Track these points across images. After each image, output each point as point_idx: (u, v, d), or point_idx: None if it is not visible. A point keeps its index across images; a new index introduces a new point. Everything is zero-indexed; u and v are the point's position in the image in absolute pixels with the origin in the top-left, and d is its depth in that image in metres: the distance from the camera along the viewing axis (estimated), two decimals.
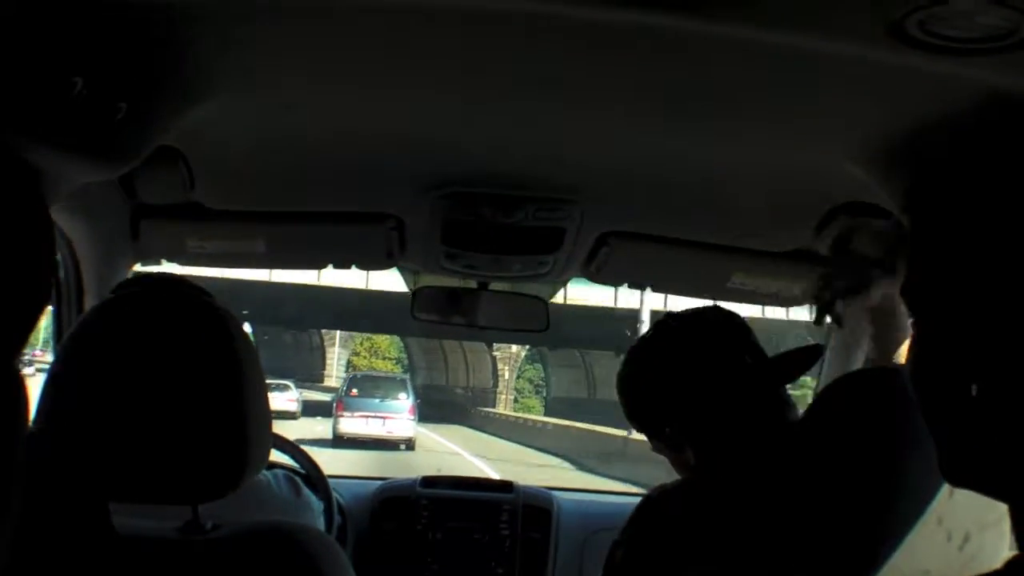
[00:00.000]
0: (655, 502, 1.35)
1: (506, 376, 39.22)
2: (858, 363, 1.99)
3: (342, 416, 21.04)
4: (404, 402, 21.87)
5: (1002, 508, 0.63)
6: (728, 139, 1.43)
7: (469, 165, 1.70)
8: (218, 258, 2.11)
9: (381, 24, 1.05)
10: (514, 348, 37.35)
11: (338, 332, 41.02)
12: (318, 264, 2.41)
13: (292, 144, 1.60)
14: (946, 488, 0.99)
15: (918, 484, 1.02)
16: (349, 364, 43.30)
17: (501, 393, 38.88)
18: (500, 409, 36.84)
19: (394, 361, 49.21)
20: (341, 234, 2.04)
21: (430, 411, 32.74)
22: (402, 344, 46.12)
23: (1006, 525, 0.64)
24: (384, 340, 49.14)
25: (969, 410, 0.58)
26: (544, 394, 43.64)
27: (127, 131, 1.10)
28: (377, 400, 21.45)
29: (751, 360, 1.41)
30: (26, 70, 0.88)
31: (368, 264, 2.26)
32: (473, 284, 2.23)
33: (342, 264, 2.23)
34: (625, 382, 1.53)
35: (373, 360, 47.50)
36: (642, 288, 2.41)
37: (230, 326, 1.03)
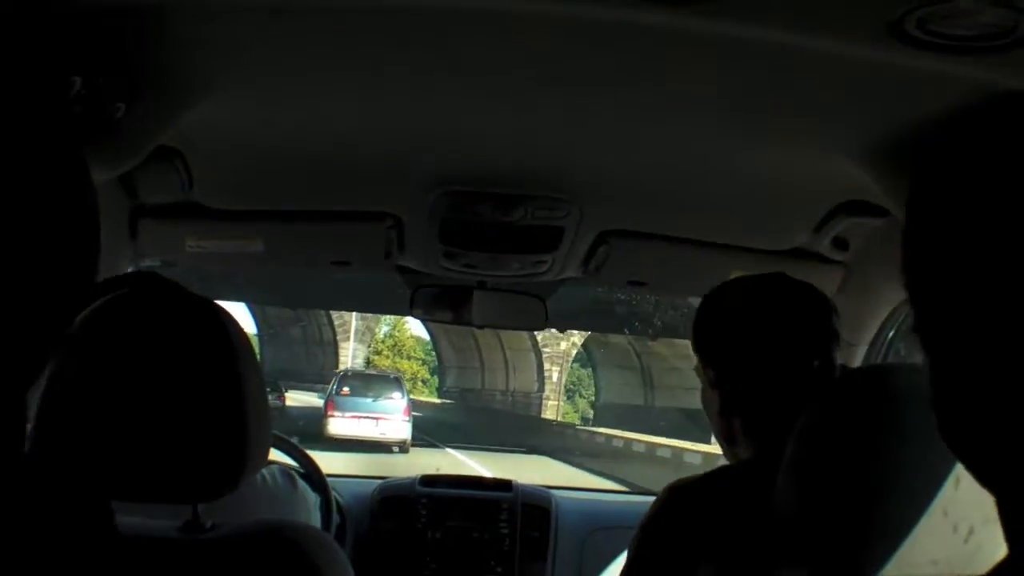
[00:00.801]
0: (673, 494, 1.34)
1: (554, 378, 33.18)
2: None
3: (332, 416, 19.93)
4: (398, 402, 20.76)
5: None
6: (728, 137, 1.43)
7: (468, 164, 1.70)
8: (217, 257, 2.11)
9: (380, 24, 1.05)
10: (563, 345, 32.59)
11: (353, 325, 35.15)
12: (317, 263, 2.41)
13: (290, 143, 1.60)
14: (951, 481, 1.01)
15: (918, 479, 1.02)
16: (368, 364, 38.41)
17: (548, 398, 32.93)
18: (550, 416, 30.78)
19: (420, 362, 45.73)
20: (340, 233, 2.04)
21: (471, 424, 25.82)
22: (430, 341, 41.77)
23: None
24: (408, 338, 45.47)
25: (973, 401, 0.58)
26: (578, 399, 39.30)
27: (126, 131, 1.10)
28: (369, 400, 20.31)
29: (819, 365, 1.35)
30: (25, 69, 0.88)
31: (366, 263, 2.26)
32: (472, 283, 2.23)
33: (341, 263, 2.23)
34: (702, 302, 1.46)
35: (396, 360, 43.74)
36: (641, 287, 2.40)
37: (228, 325, 1.03)
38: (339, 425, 19.70)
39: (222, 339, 1.01)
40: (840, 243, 1.86)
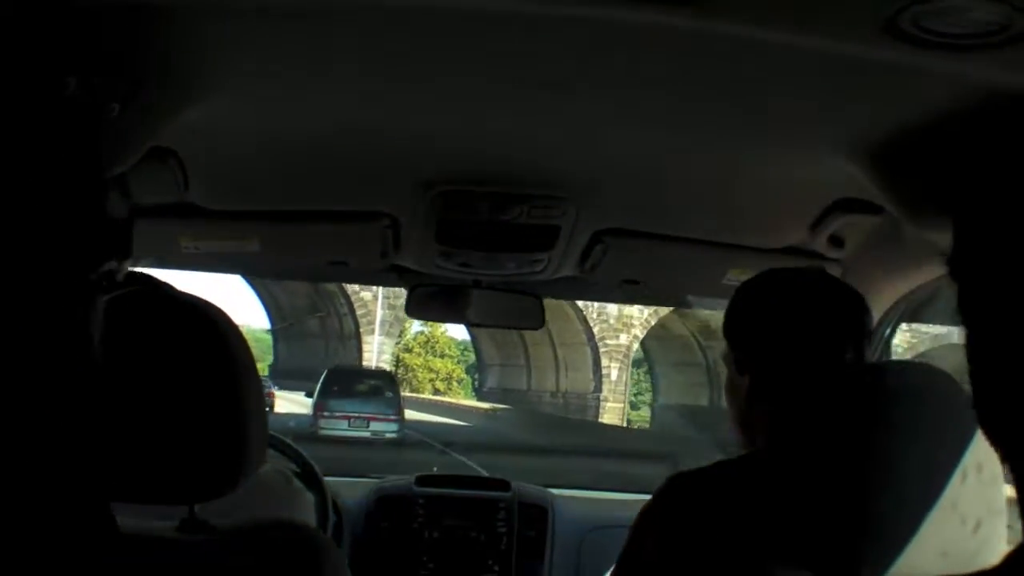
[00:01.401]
0: (676, 483, 1.34)
1: (613, 376, 28.20)
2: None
3: (323, 417, 19.09)
4: (390, 401, 20.08)
5: (1010, 494, 0.64)
6: (724, 136, 1.43)
7: (464, 163, 1.70)
8: (212, 258, 2.11)
9: (376, 24, 1.05)
10: (622, 338, 28.28)
11: (379, 315, 29.85)
12: (313, 263, 2.41)
13: (286, 143, 1.60)
14: (958, 474, 1.01)
15: (918, 476, 1.03)
16: (399, 361, 34.36)
17: (607, 400, 28.08)
18: (610, 421, 26.39)
19: (455, 360, 42.60)
20: (335, 233, 2.04)
21: (555, 447, 16.84)
22: (464, 339, 38.29)
23: (1013, 512, 0.66)
24: (442, 334, 42.02)
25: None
26: (634, 399, 33.27)
27: (121, 132, 1.10)
28: (361, 399, 19.67)
29: (851, 356, 1.36)
30: (19, 70, 0.88)
31: (362, 263, 2.26)
32: (468, 282, 2.24)
33: (336, 263, 2.23)
34: (739, 289, 1.49)
35: (429, 358, 41.13)
36: (637, 286, 2.40)
37: (225, 325, 1.03)
38: (329, 426, 18.87)
39: (218, 339, 1.01)
40: (836, 241, 1.86)
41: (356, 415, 19.37)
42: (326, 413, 19.28)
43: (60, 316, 0.67)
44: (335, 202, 1.95)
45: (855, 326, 1.38)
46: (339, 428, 18.88)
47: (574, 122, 1.41)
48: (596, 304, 27.49)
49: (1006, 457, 0.60)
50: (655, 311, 27.48)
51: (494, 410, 29.10)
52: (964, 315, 0.61)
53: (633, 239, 2.00)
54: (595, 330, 28.26)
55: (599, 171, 1.70)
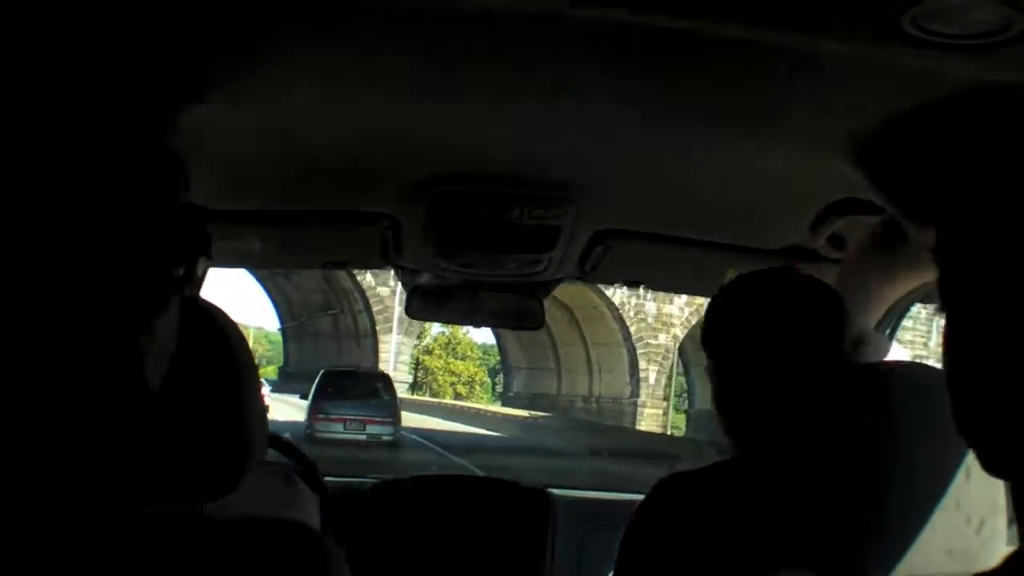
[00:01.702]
0: (663, 489, 1.33)
1: (651, 380, 26.84)
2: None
3: (318, 420, 18.78)
4: (386, 403, 19.74)
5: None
6: (723, 137, 1.43)
7: (464, 164, 1.70)
8: (213, 258, 2.11)
9: (376, 27, 1.05)
10: (661, 338, 27.01)
11: (396, 312, 27.42)
12: (313, 264, 2.42)
13: (287, 145, 1.60)
14: (962, 473, 1.02)
15: (920, 475, 1.03)
16: (419, 364, 33.43)
17: (645, 405, 26.63)
18: (647, 427, 24.77)
19: (477, 362, 41.33)
20: (336, 234, 2.04)
21: None
22: (484, 342, 37.01)
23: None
24: (464, 336, 40.99)
25: (1001, 401, 0.59)
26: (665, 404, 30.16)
27: None
28: (356, 401, 19.24)
29: (832, 359, 1.34)
30: (21, 70, 0.88)
31: (363, 264, 2.27)
32: (469, 282, 2.24)
33: (337, 264, 2.23)
34: (714, 298, 1.45)
35: (450, 360, 39.98)
36: (637, 286, 2.41)
37: (225, 325, 1.03)
38: (324, 429, 18.60)
39: (219, 339, 1.01)
40: (836, 241, 1.86)
41: (352, 418, 19.07)
42: (321, 416, 18.96)
43: (125, 321, 0.68)
44: (335, 203, 1.95)
45: (831, 325, 1.36)
46: (335, 431, 18.60)
47: (574, 122, 1.41)
48: (633, 302, 26.53)
49: (982, 460, 0.60)
50: (696, 310, 26.34)
51: (533, 418, 26.16)
52: (945, 302, 0.62)
53: (633, 240, 2.00)
54: (632, 329, 27.02)
55: (599, 171, 1.70)
